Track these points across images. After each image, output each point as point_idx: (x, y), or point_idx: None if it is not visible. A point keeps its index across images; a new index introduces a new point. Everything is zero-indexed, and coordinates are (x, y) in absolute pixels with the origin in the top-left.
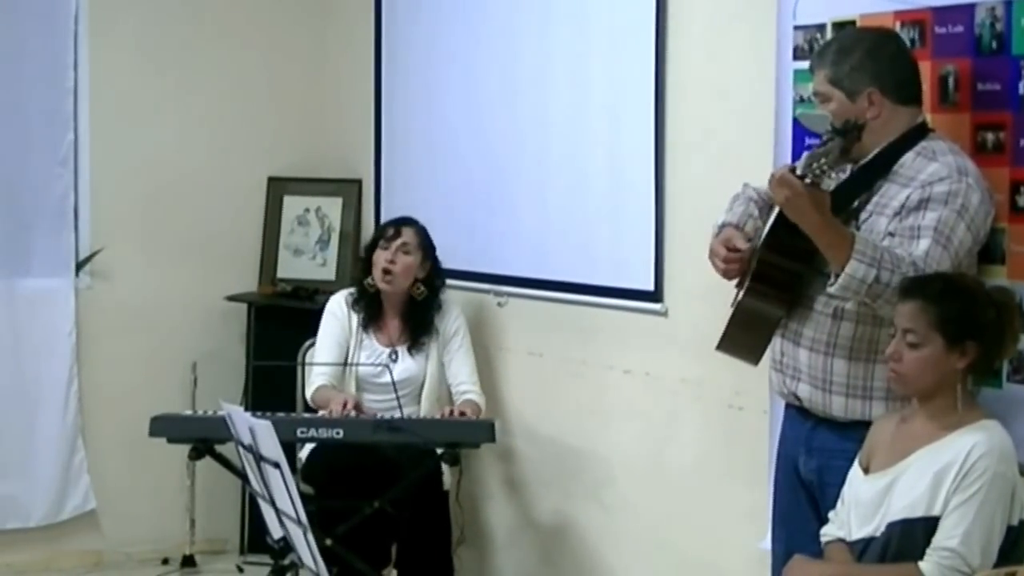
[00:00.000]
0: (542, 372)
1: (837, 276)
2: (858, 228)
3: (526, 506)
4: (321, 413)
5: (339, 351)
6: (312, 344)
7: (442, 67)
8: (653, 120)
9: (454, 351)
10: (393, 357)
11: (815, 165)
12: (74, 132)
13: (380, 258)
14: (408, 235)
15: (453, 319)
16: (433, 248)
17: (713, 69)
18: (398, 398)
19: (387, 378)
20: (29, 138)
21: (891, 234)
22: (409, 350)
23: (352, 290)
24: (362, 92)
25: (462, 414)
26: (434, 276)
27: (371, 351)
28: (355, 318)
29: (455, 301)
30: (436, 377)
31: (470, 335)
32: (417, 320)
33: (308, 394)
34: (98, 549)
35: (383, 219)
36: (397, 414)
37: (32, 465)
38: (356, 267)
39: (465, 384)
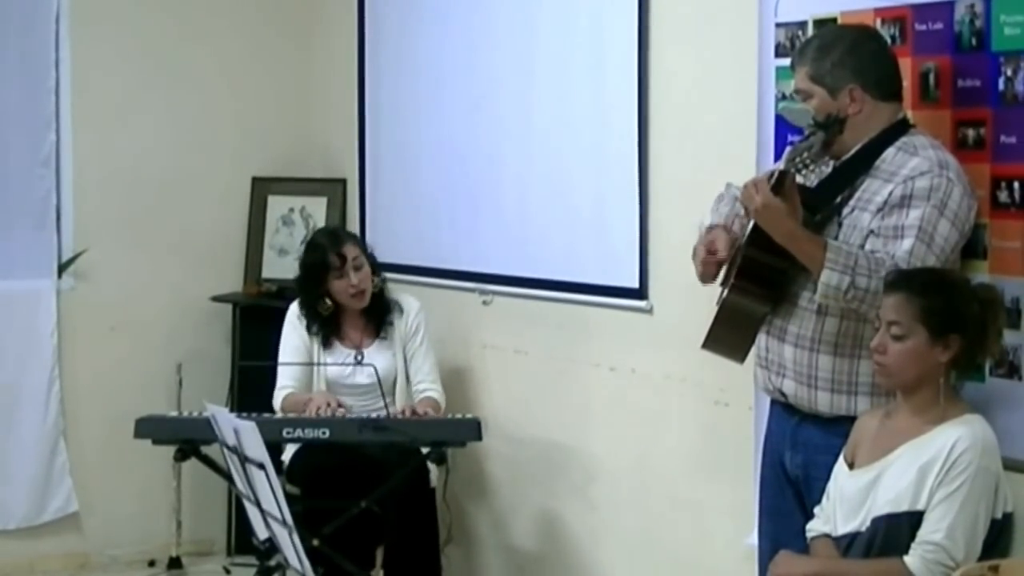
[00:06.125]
0: (527, 370)
1: (816, 282)
2: (841, 224)
3: (512, 504)
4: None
5: (303, 359)
6: None
7: (425, 66)
8: (636, 118)
9: (415, 348)
10: (359, 359)
11: (797, 159)
12: (56, 132)
13: (341, 287)
14: (350, 250)
15: (415, 314)
16: (361, 239)
17: (695, 67)
18: (383, 393)
19: (356, 379)
20: (10, 138)
21: (873, 232)
22: (379, 338)
23: (301, 312)
24: (346, 91)
25: (425, 413)
26: (372, 260)
27: (337, 355)
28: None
29: (437, 305)
30: (406, 371)
31: (454, 336)
32: (377, 310)
33: (276, 404)
34: (83, 551)
35: (367, 218)
36: (375, 414)
37: (12, 467)
38: (306, 299)
39: (425, 382)
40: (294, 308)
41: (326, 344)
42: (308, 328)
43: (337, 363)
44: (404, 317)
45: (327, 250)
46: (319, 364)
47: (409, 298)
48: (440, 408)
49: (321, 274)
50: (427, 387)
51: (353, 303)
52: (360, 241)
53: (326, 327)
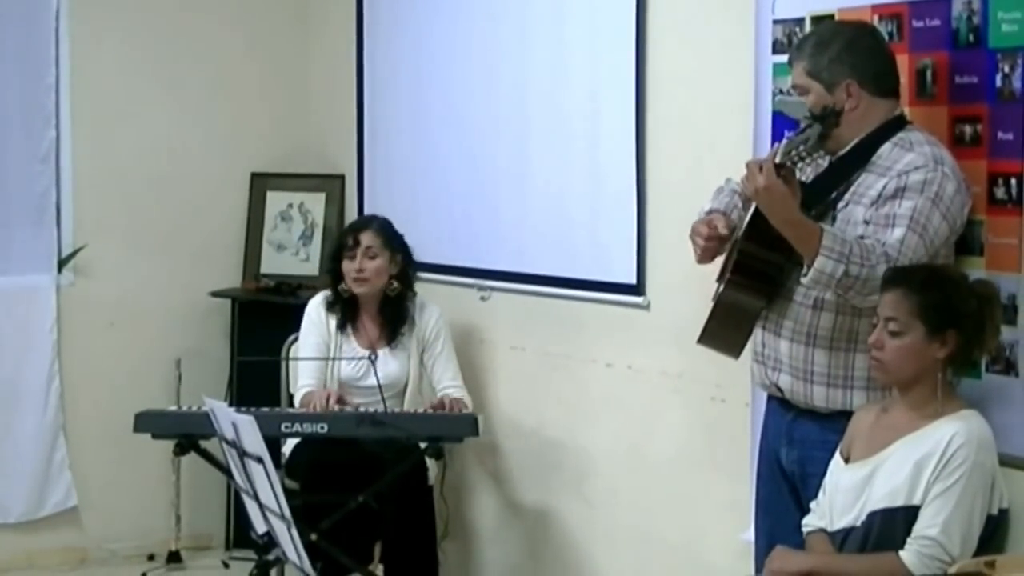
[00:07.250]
0: (525, 366)
1: (810, 267)
2: (835, 218)
3: (510, 499)
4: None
5: (322, 356)
6: (296, 339)
7: (423, 62)
8: (633, 114)
9: (436, 354)
10: (372, 358)
11: (793, 152)
12: (56, 129)
13: (348, 269)
14: (368, 238)
15: (434, 321)
16: (399, 239)
17: (692, 63)
18: (383, 397)
19: (370, 380)
20: (9, 135)
21: (866, 222)
22: (390, 346)
23: (328, 293)
24: (344, 87)
25: (450, 408)
26: (406, 267)
27: (351, 355)
28: (332, 321)
29: (435, 300)
30: (418, 378)
31: (451, 332)
32: (392, 315)
33: (296, 403)
34: (82, 546)
35: (365, 214)
36: (373, 409)
37: (11, 462)
38: (327, 275)
39: (450, 386)
40: (313, 302)
41: (342, 328)
42: (329, 307)
43: (354, 356)
44: (421, 327)
45: (348, 231)
46: (331, 359)
47: (431, 307)
48: (467, 408)
49: (338, 252)
50: (452, 389)
51: (354, 286)
52: (389, 235)
53: (344, 310)
